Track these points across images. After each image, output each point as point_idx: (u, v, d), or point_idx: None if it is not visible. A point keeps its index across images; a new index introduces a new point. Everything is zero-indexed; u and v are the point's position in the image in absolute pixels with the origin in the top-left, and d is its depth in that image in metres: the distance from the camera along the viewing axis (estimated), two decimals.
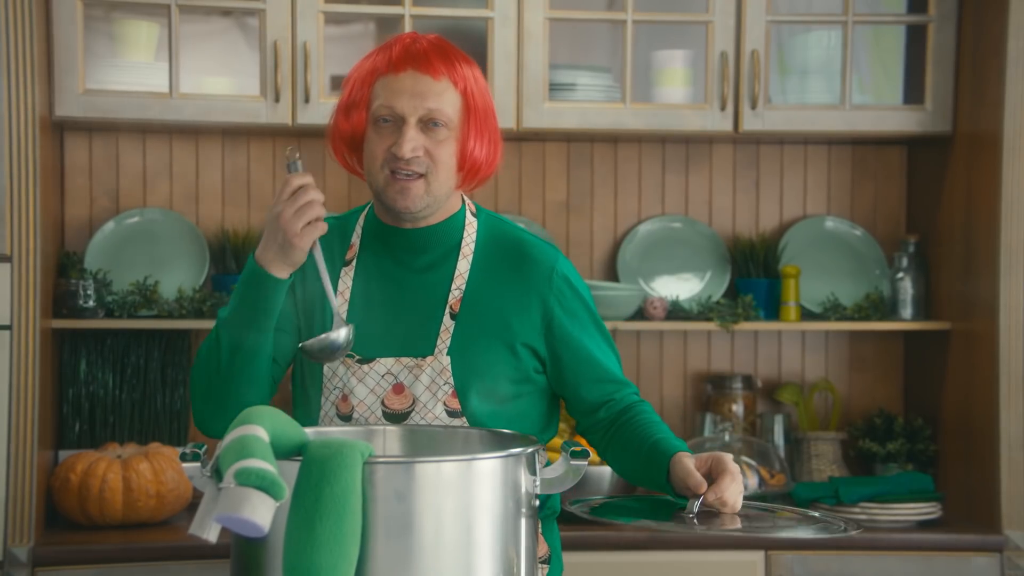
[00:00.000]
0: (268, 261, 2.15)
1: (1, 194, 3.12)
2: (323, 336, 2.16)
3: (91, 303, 3.44)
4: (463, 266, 2.28)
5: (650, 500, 2.23)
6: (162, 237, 3.66)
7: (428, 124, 2.19)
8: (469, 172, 2.25)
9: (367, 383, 2.23)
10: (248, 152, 3.73)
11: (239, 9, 3.58)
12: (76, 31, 3.32)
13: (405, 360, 2.23)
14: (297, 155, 2.16)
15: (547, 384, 2.33)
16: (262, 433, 1.79)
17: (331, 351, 2.17)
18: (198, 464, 1.81)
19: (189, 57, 3.53)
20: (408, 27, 3.45)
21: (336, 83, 3.69)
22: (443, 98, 2.19)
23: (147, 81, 3.46)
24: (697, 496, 2.05)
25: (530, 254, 2.30)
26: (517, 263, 2.29)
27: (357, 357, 2.23)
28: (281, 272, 2.16)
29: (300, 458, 1.79)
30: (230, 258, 3.63)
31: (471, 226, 2.32)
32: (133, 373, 3.61)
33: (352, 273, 2.29)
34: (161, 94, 3.40)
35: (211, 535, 1.74)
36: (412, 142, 2.18)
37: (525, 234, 2.35)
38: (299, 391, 2.34)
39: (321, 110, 3.42)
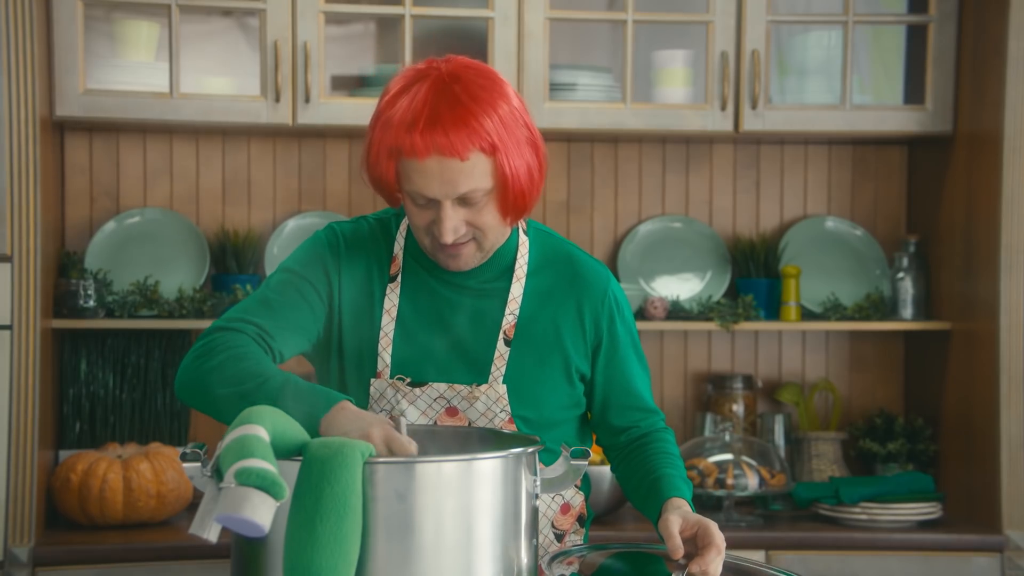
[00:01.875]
0: (329, 421, 1.92)
1: (1, 194, 3.12)
2: None
3: (91, 303, 3.44)
4: (516, 289, 2.21)
5: (640, 557, 2.16)
6: (162, 237, 3.66)
7: (464, 200, 2.08)
8: (518, 209, 2.13)
9: (418, 405, 2.18)
10: (248, 152, 3.73)
11: (239, 9, 3.58)
12: (76, 31, 3.32)
13: (458, 387, 2.18)
14: (403, 418, 2.00)
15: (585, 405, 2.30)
16: (262, 433, 1.79)
17: None
18: (198, 464, 1.81)
19: (189, 57, 3.53)
20: (408, 27, 3.45)
21: (337, 83, 3.69)
22: (474, 174, 2.05)
23: (147, 81, 3.46)
24: (681, 567, 1.99)
25: (583, 275, 2.24)
26: (570, 284, 2.23)
27: (408, 380, 2.18)
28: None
29: (300, 458, 1.79)
30: (230, 258, 3.63)
31: (524, 246, 2.24)
32: (133, 373, 3.61)
33: (398, 290, 2.21)
34: (161, 94, 3.40)
35: (211, 535, 1.73)
36: (451, 221, 2.08)
37: (576, 251, 2.29)
38: None
39: (322, 110, 3.42)
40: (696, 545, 2.02)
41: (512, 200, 2.11)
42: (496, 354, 2.19)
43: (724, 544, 2.01)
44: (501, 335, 2.19)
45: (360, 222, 2.28)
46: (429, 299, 2.21)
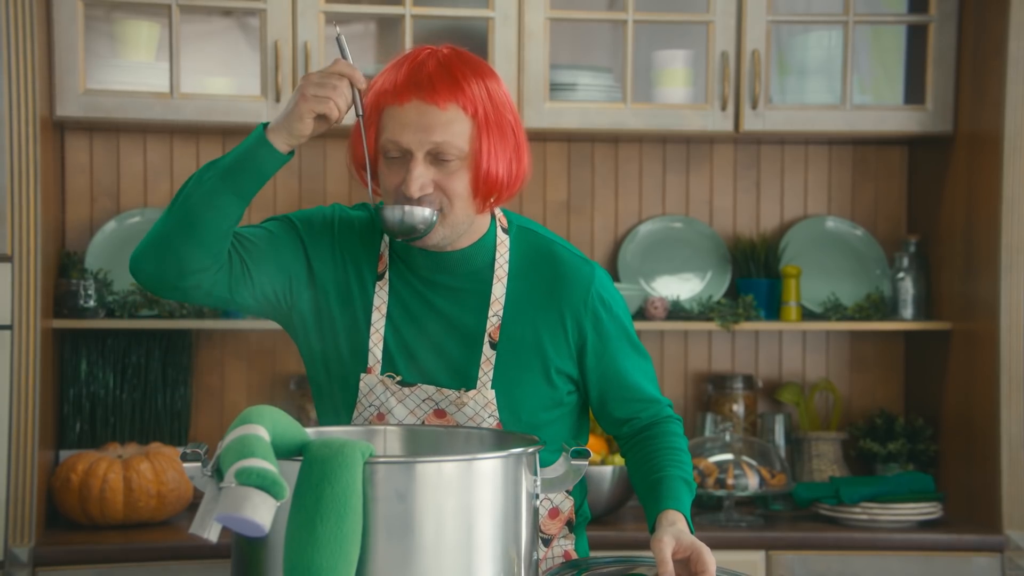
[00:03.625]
0: (274, 125, 2.08)
1: (2, 194, 3.12)
2: (405, 210, 2.08)
3: (92, 303, 3.44)
4: (499, 290, 2.19)
5: None
6: None
7: (437, 157, 2.08)
8: (488, 194, 2.13)
9: (407, 404, 2.17)
10: None
11: (240, 9, 3.58)
12: (77, 31, 3.32)
13: (447, 392, 2.17)
14: (338, 31, 2.12)
15: (579, 400, 2.28)
16: (263, 433, 1.79)
17: (410, 227, 2.08)
18: (199, 464, 1.81)
19: (190, 57, 3.53)
20: (408, 27, 3.45)
21: None
22: (451, 129, 2.07)
23: (148, 81, 3.46)
24: None
25: (564, 273, 2.21)
26: (551, 283, 2.20)
27: (398, 378, 2.18)
28: (279, 140, 2.07)
29: (301, 458, 1.79)
30: None
31: (503, 245, 2.22)
32: (134, 373, 3.60)
33: (387, 287, 2.20)
34: (162, 94, 3.40)
35: (212, 535, 1.73)
36: (419, 179, 2.07)
37: (559, 248, 2.25)
38: (325, 401, 2.26)
39: None
40: (688, 569, 2.01)
41: (485, 177, 2.10)
42: (483, 358, 2.17)
43: (715, 570, 2.00)
44: (486, 338, 2.18)
45: (362, 210, 2.28)
46: (413, 300, 2.21)
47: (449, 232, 2.13)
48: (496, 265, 2.20)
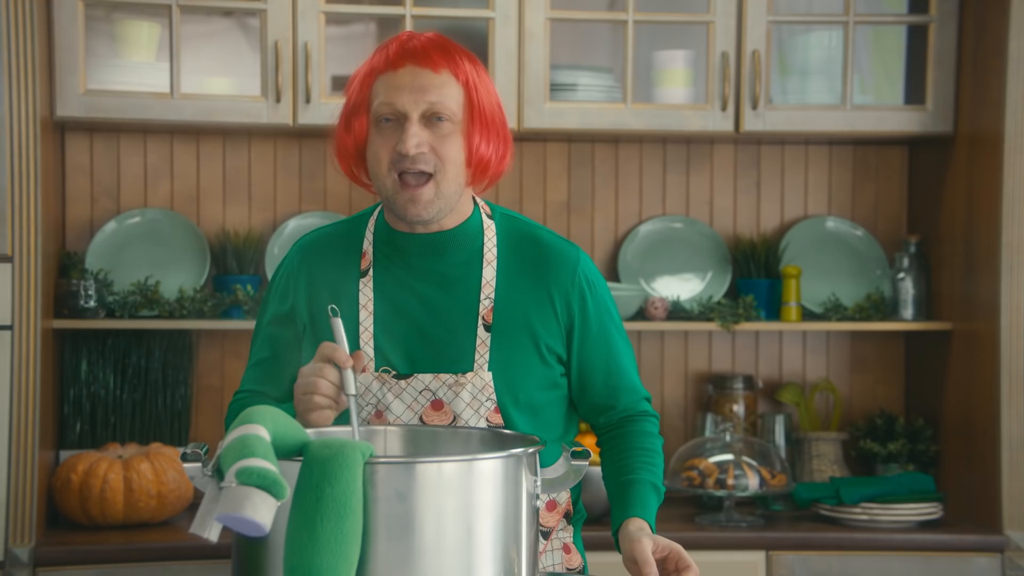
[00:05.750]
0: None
1: (2, 194, 3.12)
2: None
3: (92, 303, 3.44)
4: (489, 273, 2.21)
5: None
6: (163, 237, 3.66)
7: (431, 119, 2.12)
8: (477, 169, 2.17)
9: (404, 399, 2.18)
10: (249, 152, 3.73)
11: (240, 9, 3.58)
12: (77, 31, 3.32)
13: (444, 377, 2.17)
14: (336, 314, 2.03)
15: (568, 386, 2.30)
16: (263, 433, 1.79)
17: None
18: (199, 464, 1.81)
19: (190, 57, 3.53)
20: (409, 27, 3.45)
21: (337, 83, 3.69)
22: (445, 91, 2.12)
23: (148, 81, 3.46)
24: None
25: (550, 255, 2.24)
26: (538, 266, 2.23)
27: (393, 372, 2.19)
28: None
29: (301, 458, 1.79)
30: (231, 258, 3.63)
31: (490, 229, 2.24)
32: (134, 373, 3.61)
33: (371, 284, 2.22)
34: (162, 94, 3.40)
35: (212, 535, 1.73)
36: (416, 137, 2.10)
37: (543, 233, 2.28)
38: None
39: (322, 110, 3.42)
40: (667, 569, 2.05)
41: (476, 150, 2.15)
42: (478, 341, 2.19)
43: (695, 565, 2.04)
44: (480, 321, 2.19)
45: (329, 227, 2.33)
46: (401, 291, 2.22)
47: (443, 204, 2.16)
48: (485, 249, 2.23)
